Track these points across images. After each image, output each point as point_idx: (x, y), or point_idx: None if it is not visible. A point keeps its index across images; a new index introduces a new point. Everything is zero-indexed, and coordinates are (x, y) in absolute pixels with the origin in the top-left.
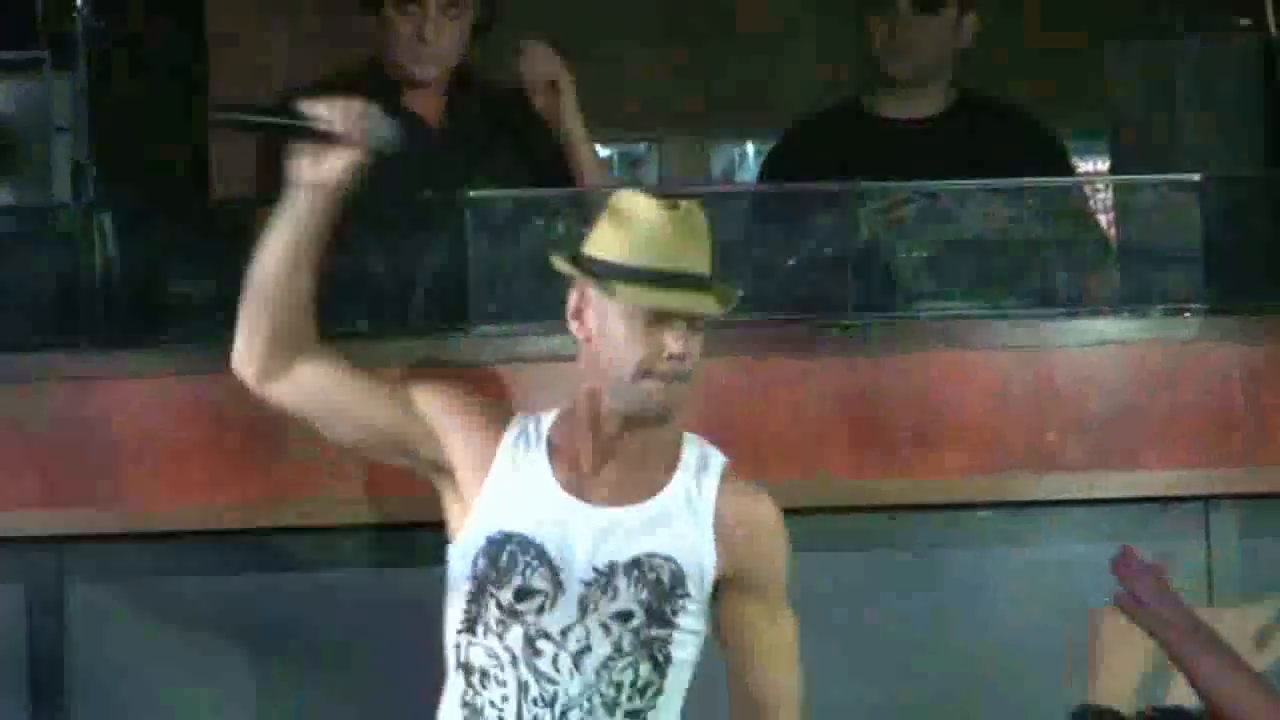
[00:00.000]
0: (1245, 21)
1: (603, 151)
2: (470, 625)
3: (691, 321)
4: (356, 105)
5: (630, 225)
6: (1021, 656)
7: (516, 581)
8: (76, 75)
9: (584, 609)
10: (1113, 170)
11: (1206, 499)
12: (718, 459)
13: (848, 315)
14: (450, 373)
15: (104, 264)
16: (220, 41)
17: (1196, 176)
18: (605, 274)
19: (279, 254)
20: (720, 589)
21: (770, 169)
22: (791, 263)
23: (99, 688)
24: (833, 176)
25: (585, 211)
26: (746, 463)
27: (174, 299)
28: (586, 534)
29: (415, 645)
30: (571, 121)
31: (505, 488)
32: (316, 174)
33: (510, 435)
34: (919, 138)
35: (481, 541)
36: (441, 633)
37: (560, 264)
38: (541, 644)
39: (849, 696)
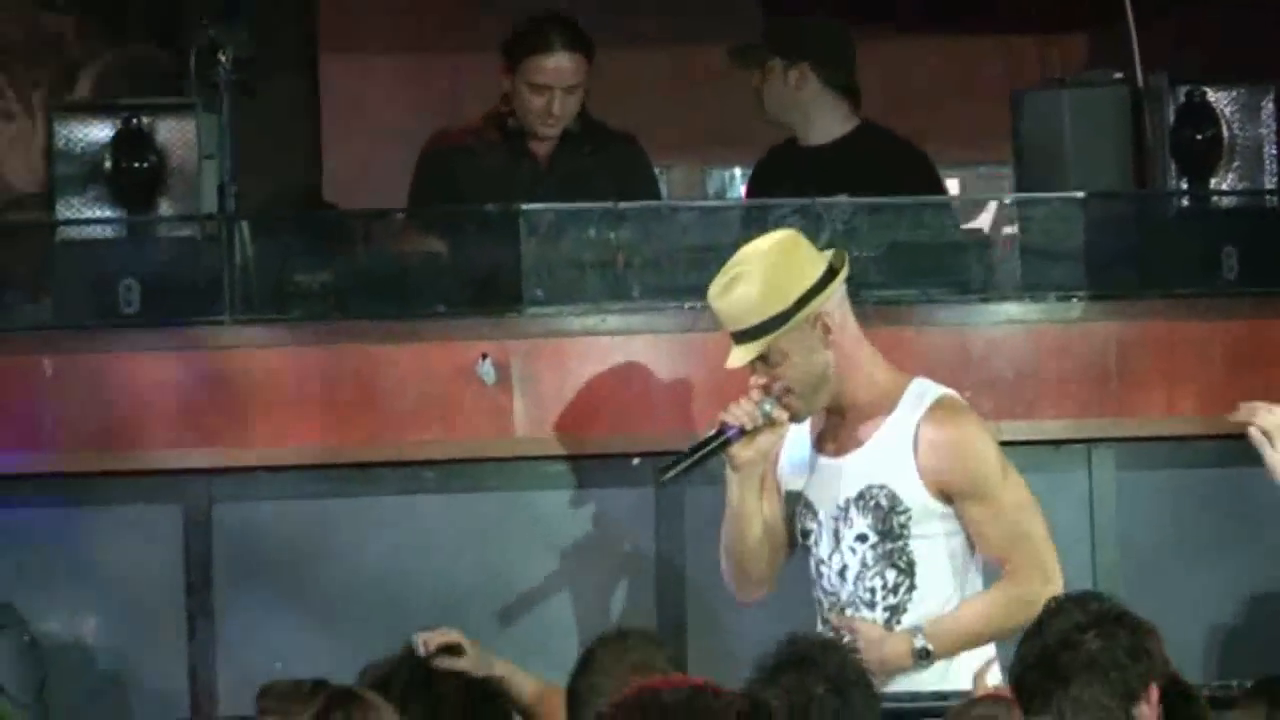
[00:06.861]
0: (1118, 75)
1: None
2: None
3: None
4: (746, 406)
5: (819, 258)
6: None
7: (800, 524)
8: (220, 116)
9: (836, 538)
10: (1017, 188)
11: (1089, 442)
12: (932, 394)
13: None
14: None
15: (241, 260)
16: (330, 88)
17: (1080, 194)
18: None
19: (741, 528)
20: (951, 499)
21: (752, 186)
22: None
23: (239, 588)
24: (793, 192)
25: (611, 221)
26: None
27: (294, 287)
28: (829, 480)
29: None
30: None
31: (787, 459)
32: (741, 461)
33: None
34: (825, 157)
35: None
36: None
37: (824, 302)
38: (821, 568)
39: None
